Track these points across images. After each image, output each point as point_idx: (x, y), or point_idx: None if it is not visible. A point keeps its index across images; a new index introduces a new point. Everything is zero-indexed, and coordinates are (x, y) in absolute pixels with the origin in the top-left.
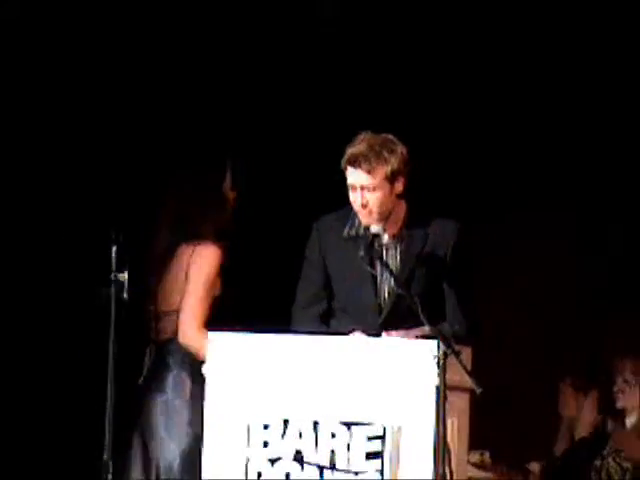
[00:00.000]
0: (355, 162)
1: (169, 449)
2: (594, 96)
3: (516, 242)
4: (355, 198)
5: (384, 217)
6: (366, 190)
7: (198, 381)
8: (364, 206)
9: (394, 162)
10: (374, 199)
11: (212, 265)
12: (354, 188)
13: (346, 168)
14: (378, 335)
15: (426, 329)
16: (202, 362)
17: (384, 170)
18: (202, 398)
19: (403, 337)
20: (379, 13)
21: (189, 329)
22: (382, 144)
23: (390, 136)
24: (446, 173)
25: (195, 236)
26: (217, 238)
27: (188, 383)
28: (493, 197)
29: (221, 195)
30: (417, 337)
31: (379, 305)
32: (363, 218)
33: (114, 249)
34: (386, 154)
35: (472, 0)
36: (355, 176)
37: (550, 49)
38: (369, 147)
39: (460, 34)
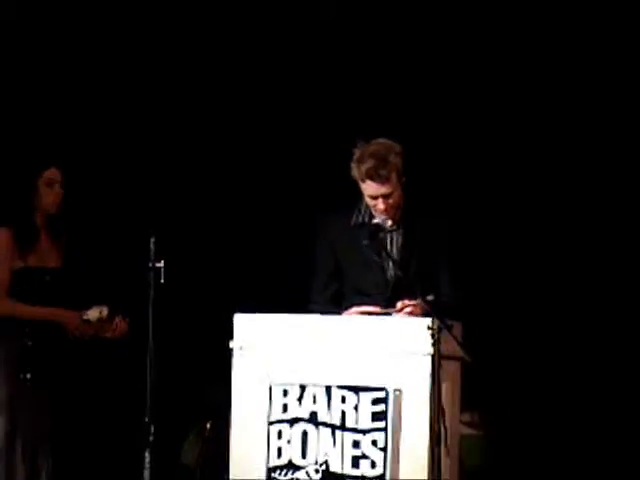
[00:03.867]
0: (373, 176)
1: None
2: (593, 98)
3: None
4: (376, 204)
5: (397, 208)
6: (386, 196)
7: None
8: (386, 210)
9: (399, 162)
10: (392, 201)
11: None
12: (375, 197)
13: (364, 181)
14: (389, 307)
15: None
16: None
17: (395, 173)
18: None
19: (417, 305)
20: (376, 15)
21: None
22: (386, 150)
23: (382, 139)
24: (437, 161)
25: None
26: (20, 224)
27: None
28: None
29: (30, 189)
30: (425, 305)
31: (386, 282)
32: (381, 216)
33: (152, 241)
34: (392, 158)
35: (468, 3)
36: (375, 188)
37: (550, 56)
38: (379, 159)
39: (459, 35)
